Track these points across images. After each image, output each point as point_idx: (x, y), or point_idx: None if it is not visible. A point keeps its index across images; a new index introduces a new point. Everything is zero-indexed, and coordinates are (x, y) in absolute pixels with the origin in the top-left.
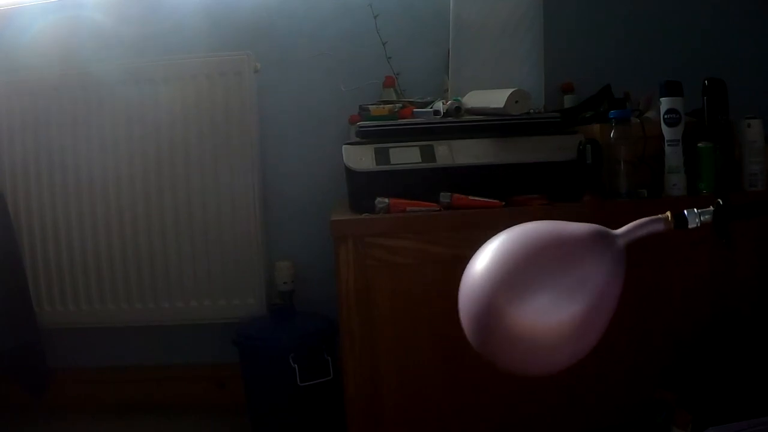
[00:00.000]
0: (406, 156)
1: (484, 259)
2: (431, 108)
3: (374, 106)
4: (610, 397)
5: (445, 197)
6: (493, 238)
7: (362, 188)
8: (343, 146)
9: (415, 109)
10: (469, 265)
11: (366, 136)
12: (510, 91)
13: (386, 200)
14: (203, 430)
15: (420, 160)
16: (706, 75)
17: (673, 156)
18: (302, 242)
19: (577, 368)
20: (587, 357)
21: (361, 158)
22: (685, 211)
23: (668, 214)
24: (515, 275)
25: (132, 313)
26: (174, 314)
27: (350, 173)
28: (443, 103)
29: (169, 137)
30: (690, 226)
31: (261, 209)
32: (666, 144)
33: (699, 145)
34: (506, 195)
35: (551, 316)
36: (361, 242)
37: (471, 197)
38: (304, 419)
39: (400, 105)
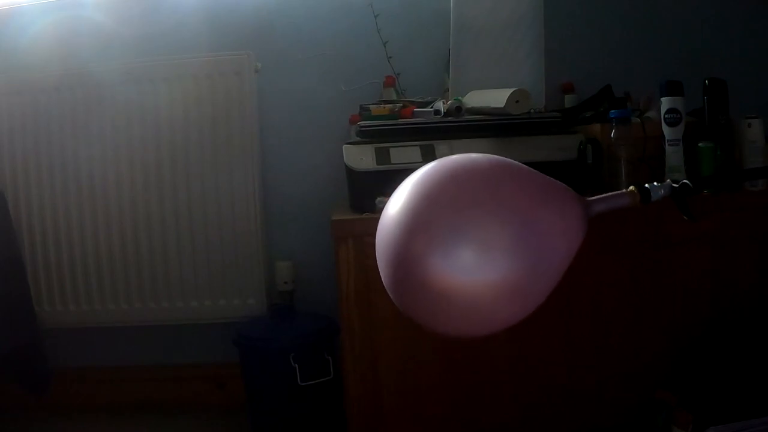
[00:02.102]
0: (406, 156)
1: (404, 193)
2: (432, 108)
3: (375, 105)
4: (610, 397)
5: None
6: (420, 168)
7: (363, 188)
8: (344, 146)
9: (415, 109)
10: (387, 203)
11: (366, 136)
12: (510, 90)
13: (387, 200)
14: (203, 430)
15: (421, 160)
16: (706, 75)
17: (673, 156)
18: (302, 242)
19: (578, 368)
20: (587, 357)
21: (361, 158)
22: (647, 185)
23: (632, 188)
24: (438, 214)
25: (132, 313)
26: (174, 314)
27: (351, 173)
28: (444, 103)
29: (169, 137)
30: (653, 200)
31: (261, 209)
32: (666, 144)
33: (699, 144)
34: None
35: (482, 271)
36: (361, 242)
37: None
38: (304, 419)
39: (401, 105)
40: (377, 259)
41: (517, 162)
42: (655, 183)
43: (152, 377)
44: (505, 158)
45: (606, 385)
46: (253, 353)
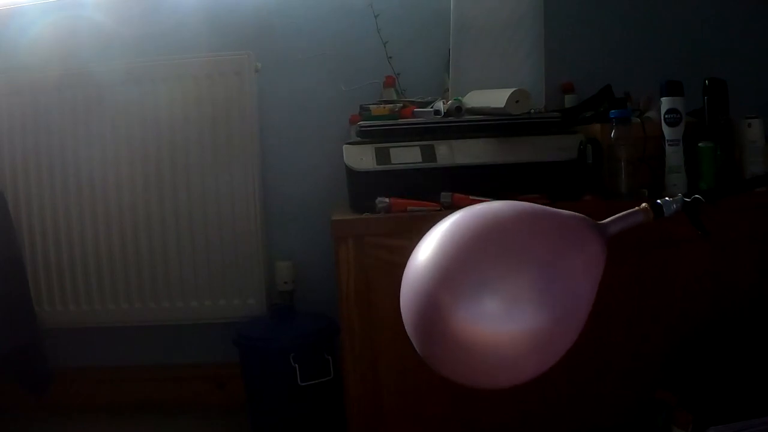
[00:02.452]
0: (406, 156)
1: (432, 244)
2: (432, 108)
3: (375, 105)
4: (610, 397)
5: (445, 197)
6: (449, 216)
7: (363, 188)
8: (344, 146)
9: (415, 109)
10: (415, 250)
11: (366, 136)
12: (510, 90)
13: (387, 200)
14: (203, 430)
15: (421, 160)
16: (706, 75)
17: (673, 156)
18: (302, 242)
19: (578, 368)
20: (587, 357)
21: (361, 158)
22: (659, 201)
23: (645, 205)
24: (464, 268)
25: (132, 313)
26: (174, 314)
27: (351, 173)
28: (444, 103)
29: (169, 137)
30: (666, 215)
31: (261, 209)
32: (666, 144)
33: (699, 144)
34: (507, 195)
35: (508, 323)
36: (361, 242)
37: (472, 197)
38: (304, 419)
39: (401, 105)
40: (401, 305)
41: (538, 206)
42: (667, 198)
43: (152, 377)
44: (526, 205)
45: (606, 385)
46: (253, 353)
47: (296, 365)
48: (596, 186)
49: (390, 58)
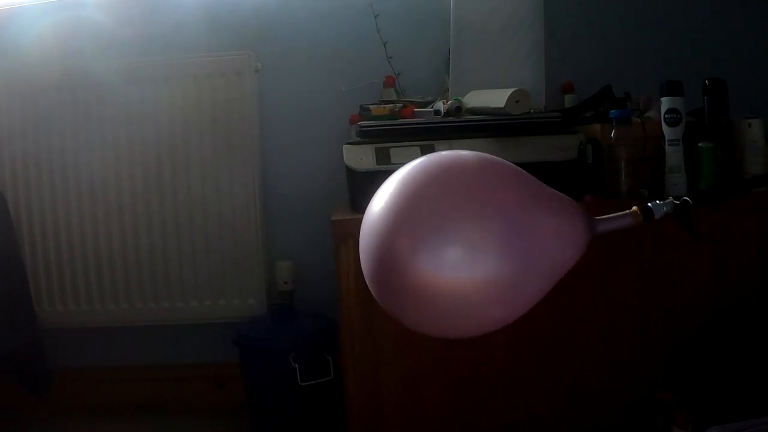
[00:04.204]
0: (406, 156)
1: (390, 189)
2: (432, 108)
3: (375, 105)
4: (610, 397)
5: None
6: (407, 165)
7: (363, 188)
8: (344, 146)
9: (415, 109)
10: (374, 197)
11: (367, 136)
12: (511, 90)
13: None
14: (203, 430)
15: None
16: (706, 75)
17: (673, 156)
18: (302, 242)
19: (578, 368)
20: (587, 357)
21: (361, 158)
22: (650, 204)
23: (635, 208)
24: (423, 212)
25: (132, 313)
26: (174, 314)
27: (351, 173)
28: (444, 103)
29: (169, 137)
30: (656, 218)
31: (261, 209)
32: (666, 144)
33: (699, 144)
34: None
35: (468, 270)
36: None
37: None
38: (304, 419)
39: (401, 105)
40: (360, 256)
41: (513, 165)
42: (657, 201)
43: (152, 377)
44: (498, 159)
45: (606, 385)
46: (253, 353)
47: (296, 365)
48: (596, 186)
49: (390, 58)
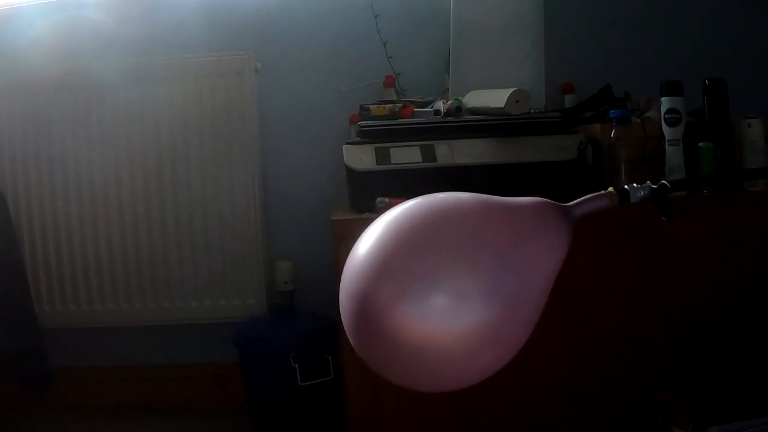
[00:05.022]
0: (406, 156)
1: (373, 236)
2: (432, 108)
3: (375, 105)
4: (610, 397)
5: None
6: (391, 209)
7: (363, 188)
8: (344, 146)
9: (415, 109)
10: (356, 244)
11: (366, 136)
12: (510, 90)
13: (387, 200)
14: (203, 430)
15: (421, 160)
16: (706, 75)
17: (673, 156)
18: (302, 242)
19: (578, 368)
20: (587, 357)
21: (361, 158)
22: (626, 186)
23: (611, 189)
24: (405, 260)
25: (132, 313)
26: (174, 314)
27: (351, 173)
28: (444, 103)
29: (169, 137)
30: (632, 201)
31: (261, 209)
32: (666, 144)
33: (699, 144)
34: (507, 195)
35: (453, 319)
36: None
37: None
38: (304, 419)
39: (401, 105)
40: (340, 303)
41: (490, 197)
42: (635, 185)
43: (152, 377)
44: (474, 196)
45: (606, 385)
46: (253, 353)
47: (296, 365)
48: (596, 186)
49: (390, 58)
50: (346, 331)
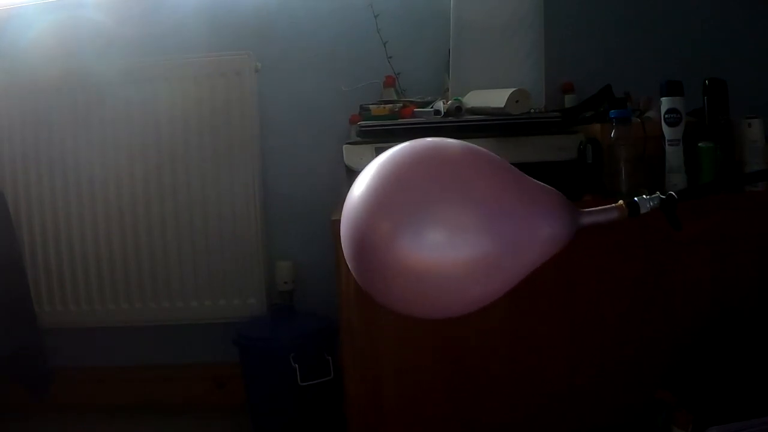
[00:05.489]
0: None
1: (372, 171)
2: (432, 108)
3: (375, 105)
4: (610, 397)
5: None
6: (396, 146)
7: None
8: (344, 146)
9: (415, 109)
10: (356, 179)
11: (366, 136)
12: (510, 90)
13: None
14: (203, 430)
15: None
16: (706, 75)
17: (673, 156)
18: (302, 242)
19: (578, 368)
20: (587, 357)
21: (361, 158)
22: (636, 199)
23: (621, 202)
24: (404, 193)
25: (132, 313)
26: (174, 314)
27: (351, 173)
28: (444, 103)
29: (169, 137)
30: (642, 212)
31: (261, 209)
32: (666, 144)
33: (699, 144)
34: None
35: (449, 250)
36: None
37: None
38: (304, 419)
39: (401, 105)
40: (341, 239)
41: (495, 156)
42: (644, 196)
43: (152, 377)
44: (483, 149)
45: (606, 385)
46: (253, 353)
47: (296, 365)
48: (596, 186)
49: (390, 58)
50: (348, 263)
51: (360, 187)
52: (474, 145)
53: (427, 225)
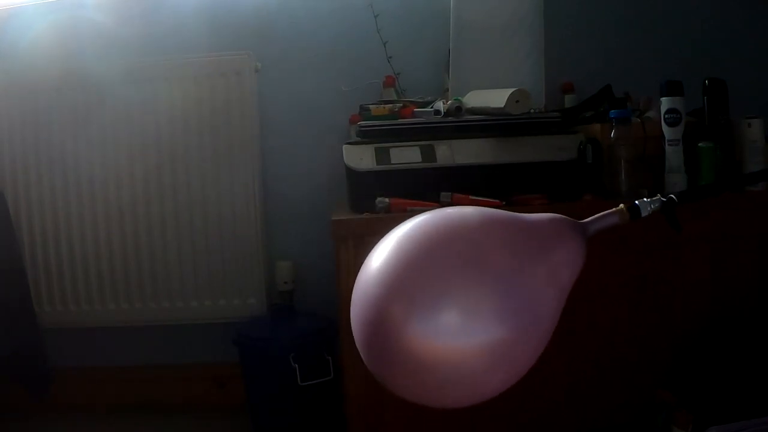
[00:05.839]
0: (406, 156)
1: (385, 252)
2: (432, 108)
3: (375, 105)
4: (610, 397)
5: (445, 197)
6: (405, 222)
7: (363, 188)
8: (344, 146)
9: (415, 109)
10: (368, 258)
11: (366, 136)
12: (510, 90)
13: (387, 200)
14: (203, 430)
15: (420, 160)
16: (706, 75)
17: (673, 156)
18: (302, 242)
19: (578, 368)
20: (587, 357)
21: (361, 158)
22: (636, 202)
23: (622, 206)
24: (418, 278)
25: (132, 313)
26: (174, 314)
27: (351, 173)
28: (444, 103)
29: (169, 137)
30: (643, 216)
31: (261, 209)
32: (666, 144)
33: (699, 144)
34: (507, 195)
35: (464, 337)
36: (361, 242)
37: (471, 197)
38: (304, 419)
39: (401, 105)
40: (351, 317)
41: (504, 213)
42: (645, 199)
43: (152, 377)
44: (489, 211)
45: (606, 385)
46: (253, 353)
47: (296, 365)
48: (596, 186)
49: (390, 58)
50: (358, 346)
51: (375, 263)
52: (489, 211)
53: (440, 310)
